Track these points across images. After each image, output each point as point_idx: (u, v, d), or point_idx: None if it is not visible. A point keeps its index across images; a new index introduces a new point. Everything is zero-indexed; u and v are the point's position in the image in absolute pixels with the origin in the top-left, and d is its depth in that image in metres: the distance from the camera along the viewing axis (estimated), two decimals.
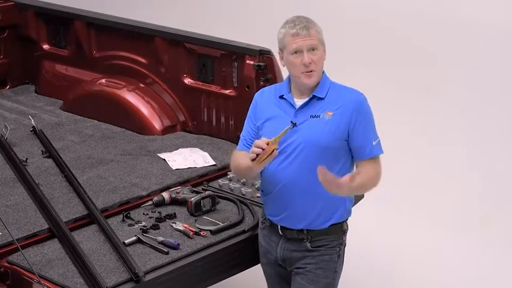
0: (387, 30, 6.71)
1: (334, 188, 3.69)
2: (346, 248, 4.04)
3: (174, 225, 4.27)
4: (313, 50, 3.84)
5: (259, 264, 4.25)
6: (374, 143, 3.87)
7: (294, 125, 3.86)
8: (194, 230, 4.21)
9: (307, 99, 3.90)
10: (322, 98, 3.89)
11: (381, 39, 6.76)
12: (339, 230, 3.96)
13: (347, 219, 4.01)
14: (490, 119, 6.29)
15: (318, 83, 3.89)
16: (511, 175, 6.20)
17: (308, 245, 3.93)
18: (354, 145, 3.87)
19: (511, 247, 5.89)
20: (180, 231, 4.21)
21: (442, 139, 6.46)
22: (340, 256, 3.99)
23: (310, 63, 3.83)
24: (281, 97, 3.96)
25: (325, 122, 3.85)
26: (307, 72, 3.84)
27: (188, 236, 4.16)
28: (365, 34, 6.83)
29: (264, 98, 4.06)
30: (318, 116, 3.86)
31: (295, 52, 3.83)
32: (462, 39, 6.39)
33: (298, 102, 3.91)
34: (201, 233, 4.20)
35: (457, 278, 5.62)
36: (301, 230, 3.93)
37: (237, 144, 5.22)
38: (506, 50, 6.22)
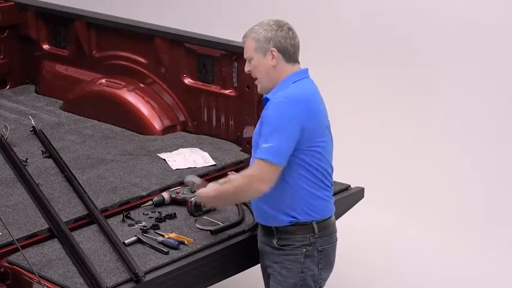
0: (386, 29, 6.70)
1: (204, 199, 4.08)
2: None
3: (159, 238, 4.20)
4: (250, 60, 3.98)
5: (259, 264, 4.25)
6: (264, 146, 3.81)
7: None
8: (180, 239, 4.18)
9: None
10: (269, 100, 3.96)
11: (380, 39, 6.75)
12: (306, 230, 3.94)
13: (320, 220, 3.96)
14: (491, 119, 6.29)
15: (277, 85, 3.95)
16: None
17: (275, 242, 3.96)
18: None
19: (511, 247, 5.89)
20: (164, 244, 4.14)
21: (441, 139, 6.45)
22: (309, 257, 3.94)
23: (249, 71, 4.00)
24: None
25: (259, 123, 3.96)
26: (254, 79, 4.02)
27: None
28: (364, 33, 6.82)
29: None
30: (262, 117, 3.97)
31: None
32: (462, 39, 6.39)
33: None
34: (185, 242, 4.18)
35: (457, 278, 5.62)
36: (270, 226, 3.99)
37: (237, 144, 5.27)
38: (506, 50, 6.21)
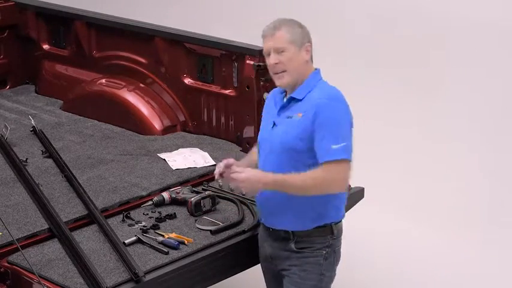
0: (391, 29, 6.70)
1: (242, 183, 3.78)
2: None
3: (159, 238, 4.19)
4: (282, 51, 3.84)
5: (259, 264, 4.25)
6: (334, 147, 3.73)
7: (274, 125, 3.92)
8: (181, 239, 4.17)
9: (286, 100, 3.93)
10: (300, 100, 3.87)
11: (384, 39, 6.75)
12: (326, 233, 3.91)
13: (338, 222, 3.95)
14: (493, 119, 6.29)
15: (302, 83, 3.88)
16: None
17: (293, 245, 3.91)
18: (314, 147, 3.80)
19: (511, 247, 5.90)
20: (164, 244, 4.13)
21: (443, 139, 6.45)
22: (329, 259, 3.92)
23: (276, 63, 3.84)
24: (281, 93, 4.02)
25: (295, 123, 3.84)
26: (277, 73, 3.87)
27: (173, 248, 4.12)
28: (368, 34, 6.83)
29: (271, 96, 4.10)
30: (291, 117, 3.87)
31: (267, 54, 3.89)
32: (467, 39, 6.39)
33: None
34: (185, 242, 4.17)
35: (459, 278, 5.62)
36: (286, 230, 3.92)
37: (237, 144, 5.27)
38: (507, 50, 6.21)
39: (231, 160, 3.98)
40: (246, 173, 3.83)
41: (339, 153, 3.73)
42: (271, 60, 3.86)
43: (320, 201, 3.84)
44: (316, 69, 3.96)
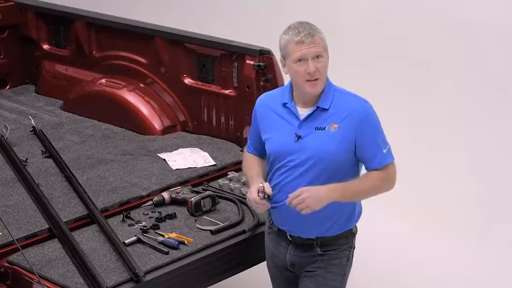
0: (383, 29, 6.70)
1: (313, 204, 3.65)
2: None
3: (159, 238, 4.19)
4: (317, 57, 3.69)
5: (259, 264, 4.25)
6: (384, 151, 3.77)
7: (299, 137, 3.76)
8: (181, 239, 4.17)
9: (311, 110, 3.77)
10: (327, 109, 3.75)
11: (377, 39, 6.75)
12: (349, 234, 3.89)
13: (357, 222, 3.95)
14: (490, 122, 6.28)
15: (322, 91, 3.77)
16: (511, 178, 6.19)
17: (318, 249, 3.86)
18: (363, 156, 3.77)
19: (510, 248, 5.89)
20: (165, 244, 4.14)
21: (441, 142, 6.45)
22: (349, 259, 3.92)
23: (315, 71, 3.68)
24: (284, 105, 3.83)
25: (331, 134, 3.72)
26: (311, 80, 3.70)
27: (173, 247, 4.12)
28: (363, 34, 6.82)
29: (264, 107, 3.92)
30: (324, 128, 3.74)
31: (299, 60, 3.69)
32: (461, 40, 6.38)
33: (302, 112, 3.78)
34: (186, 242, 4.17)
35: (456, 281, 5.62)
36: (311, 238, 3.86)
37: (237, 144, 5.26)
38: (504, 51, 6.21)
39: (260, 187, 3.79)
40: (310, 197, 3.67)
41: (389, 156, 3.81)
42: (310, 68, 3.67)
43: (350, 206, 3.83)
44: None
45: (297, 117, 3.78)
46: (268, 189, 3.78)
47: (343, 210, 3.82)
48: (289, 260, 3.92)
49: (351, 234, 3.90)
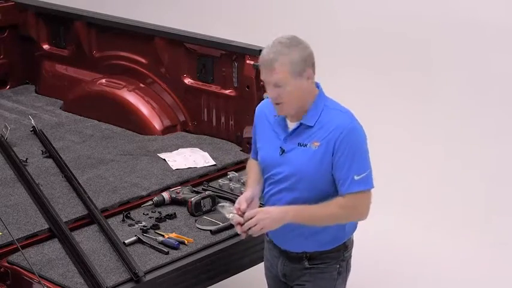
0: (383, 30, 6.70)
1: (268, 225, 3.56)
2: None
3: (159, 237, 4.19)
4: (277, 86, 3.55)
5: (259, 264, 4.25)
6: (357, 178, 3.57)
7: (283, 151, 3.67)
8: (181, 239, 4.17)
9: (296, 125, 3.67)
10: (310, 126, 3.63)
11: (376, 40, 6.75)
12: (341, 248, 3.78)
13: (351, 235, 3.83)
14: (489, 119, 6.28)
15: (310, 108, 3.63)
16: (511, 176, 6.20)
17: (306, 263, 3.77)
18: (335, 177, 3.62)
19: (510, 247, 5.89)
20: (165, 244, 4.14)
21: (440, 141, 6.45)
22: (342, 273, 3.80)
23: (275, 97, 3.58)
24: (275, 116, 3.74)
25: (312, 153, 3.61)
26: (276, 104, 3.61)
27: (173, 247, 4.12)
28: (361, 36, 6.82)
29: (261, 115, 3.83)
30: (305, 145, 3.62)
31: (265, 83, 3.62)
32: (459, 39, 6.38)
33: (291, 125, 3.69)
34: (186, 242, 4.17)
35: (456, 278, 5.62)
36: (299, 252, 3.78)
37: (237, 144, 5.27)
38: (504, 51, 6.21)
39: (244, 199, 3.70)
40: (262, 220, 3.58)
41: (362, 184, 3.59)
42: (269, 94, 3.60)
43: (338, 226, 3.72)
44: (318, 84, 3.73)
45: (285, 130, 3.71)
46: (243, 205, 3.67)
47: (328, 228, 3.69)
48: (281, 271, 3.86)
49: (343, 247, 3.78)
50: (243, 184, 4.69)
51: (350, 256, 3.85)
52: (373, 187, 3.64)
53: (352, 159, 3.58)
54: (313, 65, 3.62)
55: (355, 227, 3.85)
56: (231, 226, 4.28)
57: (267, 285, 4.11)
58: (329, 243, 3.74)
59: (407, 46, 6.62)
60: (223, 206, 3.88)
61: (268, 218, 3.59)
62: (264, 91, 4.95)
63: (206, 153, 5.12)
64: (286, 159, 3.67)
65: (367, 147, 3.66)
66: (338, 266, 3.78)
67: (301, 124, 3.65)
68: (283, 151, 3.68)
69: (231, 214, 3.67)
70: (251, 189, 3.77)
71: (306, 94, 3.61)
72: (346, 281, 3.89)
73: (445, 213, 6.22)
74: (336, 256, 3.76)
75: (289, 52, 3.55)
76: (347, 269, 3.85)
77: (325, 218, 3.63)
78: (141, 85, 5.71)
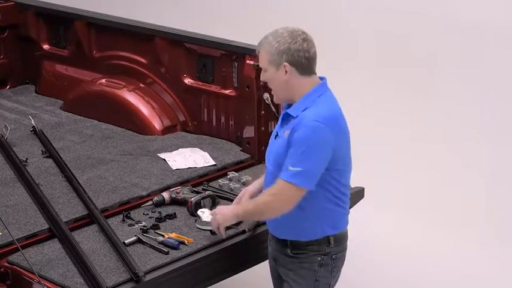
0: (384, 29, 6.70)
1: (221, 220, 3.98)
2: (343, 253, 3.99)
3: (159, 237, 4.19)
4: (263, 71, 3.82)
5: (260, 264, 4.25)
6: (291, 169, 3.67)
7: (276, 135, 3.90)
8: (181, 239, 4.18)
9: (283, 113, 3.87)
10: (293, 117, 3.76)
11: (378, 38, 6.75)
12: (321, 243, 3.86)
13: (334, 234, 3.88)
14: (490, 118, 6.29)
15: (298, 100, 3.77)
16: (511, 176, 6.20)
17: (288, 251, 3.89)
18: None
19: (511, 246, 5.89)
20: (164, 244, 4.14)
21: (441, 139, 6.45)
22: (324, 266, 3.87)
23: (264, 81, 3.86)
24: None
25: (282, 140, 3.78)
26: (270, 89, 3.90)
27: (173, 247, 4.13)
28: (362, 33, 6.82)
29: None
30: (284, 133, 3.79)
31: None
32: (461, 38, 6.38)
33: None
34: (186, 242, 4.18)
35: (457, 278, 5.63)
36: (284, 239, 3.92)
37: (237, 144, 5.27)
38: (505, 50, 6.21)
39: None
40: (216, 215, 4.02)
41: (293, 176, 3.68)
42: (261, 78, 3.89)
43: (309, 215, 3.81)
44: (321, 82, 3.81)
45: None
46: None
47: (301, 218, 3.80)
48: (272, 254, 4.02)
49: (326, 241, 3.86)
50: (243, 184, 4.70)
51: (338, 252, 3.91)
52: (303, 187, 3.71)
53: (294, 151, 3.70)
54: (297, 64, 3.74)
55: (339, 227, 3.90)
56: (231, 226, 4.29)
57: (272, 285, 4.16)
58: (304, 234, 3.86)
59: (408, 46, 6.62)
60: (203, 211, 4.26)
61: (219, 214, 4.00)
62: (264, 91, 4.99)
63: (206, 153, 5.12)
64: (273, 145, 3.90)
65: (315, 149, 3.69)
66: (319, 259, 3.87)
67: (286, 113, 3.84)
68: (276, 135, 3.90)
69: (209, 217, 4.13)
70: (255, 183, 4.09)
71: (286, 86, 3.79)
72: (334, 276, 3.95)
73: (445, 213, 6.22)
74: (316, 249, 3.86)
75: (273, 42, 3.75)
76: (333, 265, 3.91)
77: (262, 207, 3.83)
78: (141, 85, 5.71)
